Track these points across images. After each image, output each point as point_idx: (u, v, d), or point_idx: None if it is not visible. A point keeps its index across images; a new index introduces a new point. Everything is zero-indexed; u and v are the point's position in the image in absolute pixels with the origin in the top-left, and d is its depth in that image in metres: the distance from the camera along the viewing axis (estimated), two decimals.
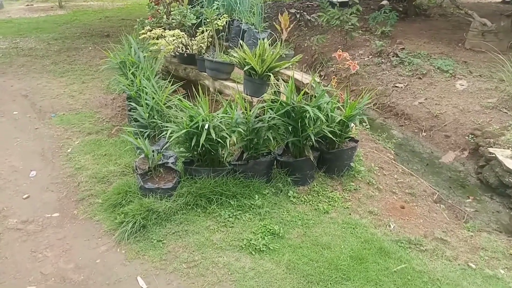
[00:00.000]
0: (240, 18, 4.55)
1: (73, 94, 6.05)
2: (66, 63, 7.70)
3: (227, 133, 3.07)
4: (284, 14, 4.10)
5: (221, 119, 3.12)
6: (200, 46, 4.60)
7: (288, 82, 4.31)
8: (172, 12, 4.54)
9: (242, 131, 3.21)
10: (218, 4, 4.52)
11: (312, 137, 3.13)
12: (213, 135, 2.95)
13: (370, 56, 7.43)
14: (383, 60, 7.13)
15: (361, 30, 8.57)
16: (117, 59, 4.72)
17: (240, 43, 3.96)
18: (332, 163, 3.54)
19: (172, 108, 4.08)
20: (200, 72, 4.67)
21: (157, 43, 4.47)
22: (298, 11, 6.41)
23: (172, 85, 4.11)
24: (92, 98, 5.88)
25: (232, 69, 4.40)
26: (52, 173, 3.88)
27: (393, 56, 7.11)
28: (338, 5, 8.12)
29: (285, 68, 3.82)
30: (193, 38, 4.77)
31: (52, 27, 11.37)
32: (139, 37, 4.38)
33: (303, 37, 8.84)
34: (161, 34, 4.51)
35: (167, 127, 3.35)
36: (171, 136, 3.07)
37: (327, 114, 3.24)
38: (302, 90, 3.31)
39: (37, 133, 4.74)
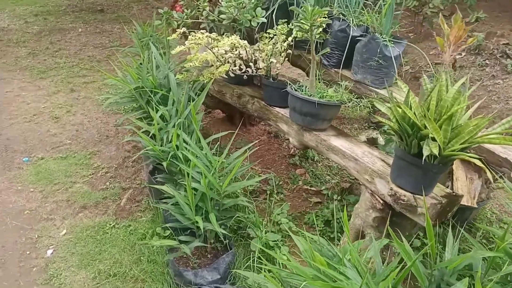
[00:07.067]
0: (345, 16, 2.56)
1: (58, 113, 4.09)
2: (49, 55, 5.65)
3: None
4: (456, 15, 2.17)
5: None
6: (270, 62, 2.65)
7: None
8: (223, 4, 2.55)
9: None
10: None
11: None
12: None
13: (464, 54, 5.48)
14: (487, 62, 5.19)
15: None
16: (128, 81, 2.74)
17: (398, 82, 2.01)
18: None
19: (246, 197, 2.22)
20: (268, 107, 2.72)
21: (199, 58, 2.52)
22: None
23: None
24: (86, 122, 3.94)
25: (338, 112, 2.47)
26: None
27: (501, 56, 5.16)
28: None
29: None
30: (254, 47, 2.78)
31: None
32: (173, 51, 2.40)
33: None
34: (211, 39, 2.55)
35: None
36: None
37: None
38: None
39: None
